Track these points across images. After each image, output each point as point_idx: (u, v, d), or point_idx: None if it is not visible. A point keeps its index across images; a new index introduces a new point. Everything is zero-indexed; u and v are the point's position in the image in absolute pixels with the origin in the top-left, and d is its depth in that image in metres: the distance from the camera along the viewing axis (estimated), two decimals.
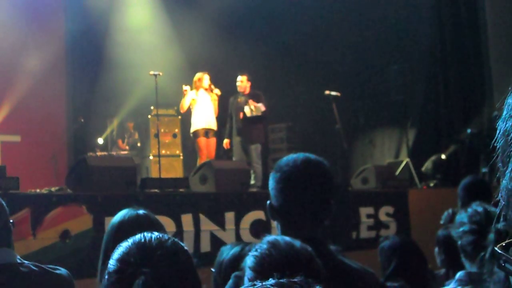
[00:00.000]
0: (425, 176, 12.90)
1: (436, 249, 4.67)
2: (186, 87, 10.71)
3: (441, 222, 5.60)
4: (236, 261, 3.13)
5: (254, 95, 11.11)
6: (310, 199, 2.39)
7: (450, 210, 5.64)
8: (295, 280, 1.55)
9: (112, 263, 1.76)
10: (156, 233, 1.84)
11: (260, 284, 1.43)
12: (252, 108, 10.96)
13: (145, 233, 1.83)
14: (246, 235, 8.02)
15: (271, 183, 2.46)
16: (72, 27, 13.47)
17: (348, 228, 9.37)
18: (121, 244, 1.80)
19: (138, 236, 1.81)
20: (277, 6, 14.50)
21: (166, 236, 1.86)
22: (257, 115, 11.00)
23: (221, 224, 7.96)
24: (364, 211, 9.73)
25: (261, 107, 11.04)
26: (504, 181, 0.66)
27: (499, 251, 0.66)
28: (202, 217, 7.78)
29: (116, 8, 13.79)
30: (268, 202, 2.48)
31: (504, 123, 0.68)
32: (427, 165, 13.02)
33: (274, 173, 2.45)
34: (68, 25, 13.80)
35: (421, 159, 13.19)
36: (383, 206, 9.94)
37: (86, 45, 13.40)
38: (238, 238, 7.99)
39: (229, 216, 8.06)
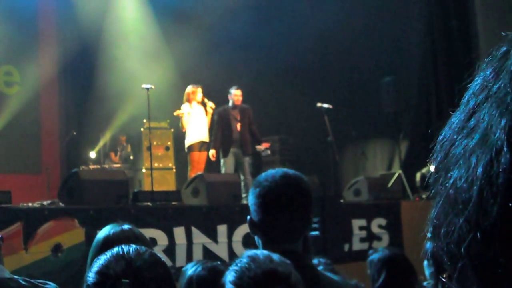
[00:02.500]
0: (417, 188, 12.92)
1: (425, 262, 4.69)
2: (180, 111, 10.71)
3: (428, 234, 5.60)
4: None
5: (245, 109, 11.15)
6: (289, 214, 2.40)
7: None
8: None
9: (91, 276, 1.77)
10: (133, 246, 1.86)
11: None
12: (262, 150, 11.34)
13: (123, 246, 1.85)
14: (238, 248, 8.01)
15: (251, 199, 2.48)
16: (65, 41, 13.51)
17: (341, 240, 9.38)
18: (99, 257, 1.82)
19: (116, 249, 1.83)
20: (269, 19, 14.54)
21: (143, 248, 1.88)
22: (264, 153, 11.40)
23: (214, 237, 7.96)
24: (357, 223, 9.75)
25: (268, 152, 11.63)
26: (432, 212, 0.70)
27: (443, 279, 0.70)
28: (194, 230, 7.79)
29: (108, 22, 13.83)
30: (248, 217, 2.50)
31: (436, 156, 0.71)
32: (417, 178, 13.06)
33: (254, 189, 2.47)
34: (61, 39, 13.84)
35: (414, 171, 13.20)
36: (376, 218, 9.96)
37: (79, 59, 13.42)
38: (231, 251, 8.00)
39: (222, 229, 8.06)
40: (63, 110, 14.31)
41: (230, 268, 1.96)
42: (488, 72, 0.66)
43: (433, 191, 0.70)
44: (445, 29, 14.19)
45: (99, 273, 1.75)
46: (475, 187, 0.60)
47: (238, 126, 11.06)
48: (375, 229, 9.90)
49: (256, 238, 2.52)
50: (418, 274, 5.21)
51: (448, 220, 0.64)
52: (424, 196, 12.16)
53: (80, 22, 13.42)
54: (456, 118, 0.69)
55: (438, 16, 14.43)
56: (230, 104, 11.15)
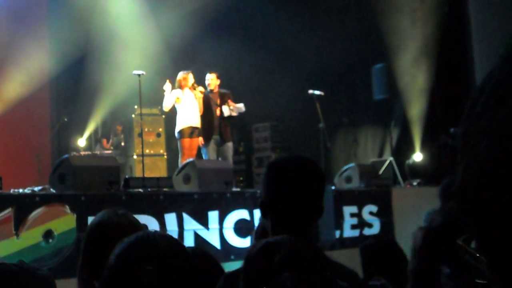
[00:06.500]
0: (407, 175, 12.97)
1: None
2: (167, 86, 10.60)
3: (423, 222, 5.61)
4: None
5: (224, 94, 11.11)
6: (302, 198, 2.41)
7: (431, 210, 5.66)
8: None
9: (112, 258, 1.75)
10: (156, 230, 1.87)
11: None
12: (231, 109, 10.95)
13: (147, 230, 1.85)
14: (229, 234, 8.03)
15: (264, 181, 2.49)
16: (55, 27, 13.43)
17: (332, 227, 9.39)
18: (123, 240, 1.81)
19: (140, 233, 1.83)
20: (260, 4, 14.50)
21: (164, 233, 1.89)
22: (234, 115, 11.04)
23: (205, 223, 7.96)
24: (348, 210, 9.77)
25: (242, 107, 11.07)
26: (458, 176, 0.73)
27: (460, 243, 0.74)
28: (185, 216, 7.79)
29: (99, 7, 13.73)
30: (260, 199, 2.50)
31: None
32: (405, 167, 13.10)
33: (267, 172, 2.48)
34: (51, 25, 13.76)
35: (405, 158, 13.24)
36: (367, 205, 9.99)
37: (70, 45, 13.33)
38: (222, 237, 8.01)
39: (213, 215, 8.07)
40: (54, 96, 14.24)
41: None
42: None
43: (460, 157, 0.74)
44: (437, 16, 14.17)
45: (121, 256, 1.74)
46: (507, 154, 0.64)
47: (218, 111, 11.00)
48: (366, 216, 9.92)
49: (266, 221, 2.52)
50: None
51: (478, 183, 0.68)
52: (415, 183, 12.21)
53: (71, 7, 13.33)
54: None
55: (430, 2, 14.40)
56: (208, 89, 11.12)
